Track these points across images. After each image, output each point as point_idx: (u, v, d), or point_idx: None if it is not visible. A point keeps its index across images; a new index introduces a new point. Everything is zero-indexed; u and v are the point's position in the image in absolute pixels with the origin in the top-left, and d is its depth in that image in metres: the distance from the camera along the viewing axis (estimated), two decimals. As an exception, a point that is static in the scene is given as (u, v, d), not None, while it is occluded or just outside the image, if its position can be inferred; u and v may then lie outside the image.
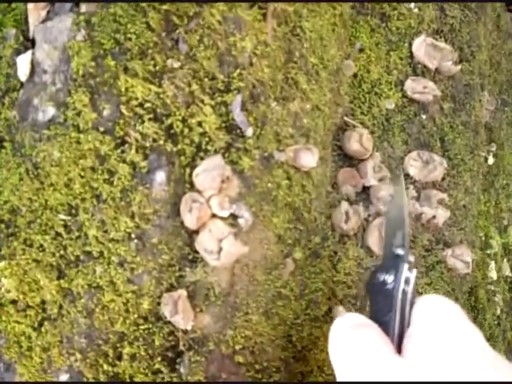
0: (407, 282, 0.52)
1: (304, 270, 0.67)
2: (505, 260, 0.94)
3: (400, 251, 0.54)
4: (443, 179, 0.76)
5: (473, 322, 0.84)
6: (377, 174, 0.70)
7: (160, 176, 0.60)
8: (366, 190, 0.72)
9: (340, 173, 0.72)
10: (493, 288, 0.90)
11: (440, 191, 0.74)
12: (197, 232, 0.60)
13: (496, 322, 0.91)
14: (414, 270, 0.53)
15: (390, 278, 0.53)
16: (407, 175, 0.73)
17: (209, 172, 0.59)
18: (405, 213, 0.56)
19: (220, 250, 0.58)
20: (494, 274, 0.90)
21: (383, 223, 0.67)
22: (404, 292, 0.51)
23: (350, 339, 0.49)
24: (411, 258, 0.54)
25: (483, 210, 0.90)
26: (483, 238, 0.90)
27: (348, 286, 0.71)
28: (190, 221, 0.59)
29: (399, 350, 0.48)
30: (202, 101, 0.61)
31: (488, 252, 0.90)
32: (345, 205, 0.69)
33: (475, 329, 0.47)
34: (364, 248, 0.72)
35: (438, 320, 0.47)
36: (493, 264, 0.90)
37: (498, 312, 0.91)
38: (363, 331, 0.49)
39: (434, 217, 0.72)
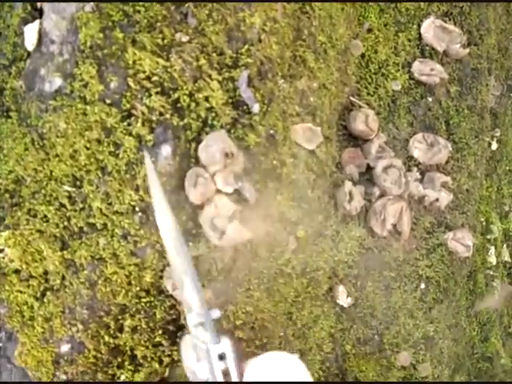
0: (223, 358, 0.48)
1: (306, 248, 0.67)
2: (504, 246, 0.94)
3: (193, 319, 0.49)
4: (447, 162, 0.76)
5: (471, 306, 0.85)
6: (380, 154, 0.70)
7: (166, 150, 0.60)
8: (369, 170, 0.72)
9: (344, 153, 0.72)
10: (492, 273, 0.90)
11: (444, 174, 0.74)
12: (201, 207, 0.60)
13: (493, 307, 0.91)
14: (223, 340, 0.48)
15: (201, 370, 0.48)
16: (411, 157, 0.73)
17: (212, 147, 0.59)
18: (183, 250, 0.50)
19: (223, 232, 0.58)
20: (493, 259, 0.90)
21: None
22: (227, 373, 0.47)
23: None
24: (211, 320, 0.48)
25: (485, 195, 0.90)
26: (484, 223, 0.90)
27: (349, 265, 0.71)
28: (194, 196, 0.59)
29: None
30: (210, 76, 0.61)
31: (488, 237, 0.90)
32: (348, 184, 0.69)
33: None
34: (366, 228, 0.72)
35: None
36: (493, 249, 0.90)
37: (496, 297, 0.92)
38: None
39: (437, 199, 0.73)
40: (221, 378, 0.47)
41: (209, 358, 0.47)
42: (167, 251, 0.51)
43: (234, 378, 0.47)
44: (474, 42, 0.80)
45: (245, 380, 0.47)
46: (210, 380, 0.47)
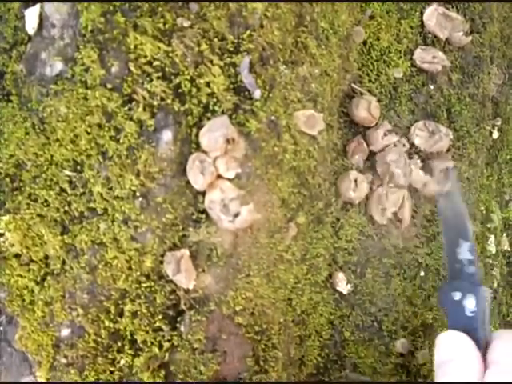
0: (484, 300, 0.54)
1: (306, 235, 0.67)
2: (504, 235, 0.94)
3: (472, 269, 0.55)
4: (448, 150, 0.76)
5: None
6: (384, 141, 0.70)
7: (167, 135, 0.60)
8: (370, 158, 0.72)
9: (352, 141, 0.72)
10: (491, 262, 0.91)
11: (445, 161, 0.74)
12: (202, 193, 0.60)
13: (492, 296, 0.92)
14: (487, 290, 0.55)
15: (469, 303, 0.54)
16: (412, 144, 0.73)
17: (213, 132, 0.59)
18: (467, 221, 0.57)
19: (237, 214, 0.59)
20: (492, 248, 0.90)
21: (441, 226, 0.65)
22: (484, 312, 0.54)
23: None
24: (481, 272, 0.56)
25: (485, 183, 0.90)
26: (484, 212, 0.90)
27: (349, 252, 0.71)
28: (195, 181, 0.59)
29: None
30: (211, 61, 0.60)
31: (488, 226, 0.90)
32: (354, 173, 0.69)
33: None
34: (366, 216, 0.72)
35: None
36: (492, 238, 0.91)
37: (495, 285, 0.92)
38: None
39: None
40: (481, 312, 0.55)
41: (477, 296, 0.54)
42: (448, 222, 0.62)
43: (487, 315, 0.56)
44: (477, 29, 0.79)
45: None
46: (475, 311, 0.54)
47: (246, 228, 0.61)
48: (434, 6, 0.75)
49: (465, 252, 0.56)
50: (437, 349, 0.54)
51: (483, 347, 0.52)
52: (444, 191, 0.68)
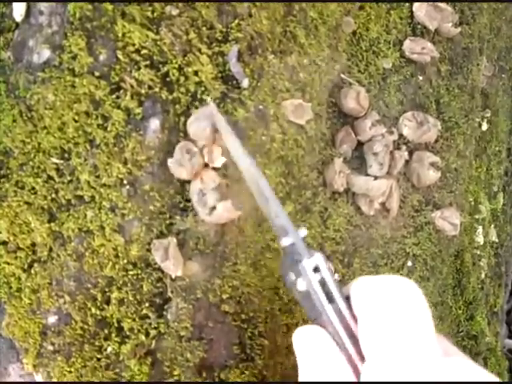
0: (317, 270, 0.46)
1: (294, 224, 0.67)
2: (492, 226, 0.95)
3: (287, 239, 0.48)
4: (436, 141, 0.76)
5: (457, 284, 0.85)
6: (372, 131, 0.70)
7: (154, 123, 0.60)
8: (359, 147, 0.72)
9: (340, 131, 0.72)
10: (479, 252, 0.91)
11: (433, 153, 0.74)
12: (189, 182, 0.60)
13: (480, 286, 0.92)
14: (316, 254, 0.46)
15: (301, 284, 0.46)
16: (400, 135, 0.73)
17: (201, 121, 0.59)
18: (259, 178, 0.50)
19: (214, 208, 0.59)
20: (480, 239, 0.91)
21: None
22: (324, 284, 0.45)
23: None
24: (302, 238, 0.48)
25: (474, 175, 0.90)
26: (472, 203, 0.91)
27: (337, 242, 0.72)
28: (181, 172, 0.59)
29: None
30: (199, 50, 0.61)
31: (476, 217, 0.91)
32: (338, 162, 0.69)
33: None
34: (354, 206, 0.72)
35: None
36: (480, 229, 0.91)
37: (483, 276, 0.93)
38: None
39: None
40: (319, 288, 0.46)
41: (304, 272, 0.47)
42: (253, 190, 0.51)
43: (332, 285, 0.46)
44: (466, 21, 0.79)
45: (353, 300, 0.44)
46: (310, 290, 0.47)
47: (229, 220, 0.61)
48: (424, -4, 0.75)
49: (276, 218, 0.48)
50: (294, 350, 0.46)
51: (345, 329, 0.44)
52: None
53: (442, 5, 0.75)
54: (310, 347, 0.45)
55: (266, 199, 0.50)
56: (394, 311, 0.42)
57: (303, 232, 0.49)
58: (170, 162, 0.59)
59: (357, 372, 0.43)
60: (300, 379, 0.44)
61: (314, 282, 0.45)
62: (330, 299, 0.45)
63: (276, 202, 0.50)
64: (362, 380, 0.42)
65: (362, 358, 0.43)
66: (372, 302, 0.43)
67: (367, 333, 0.42)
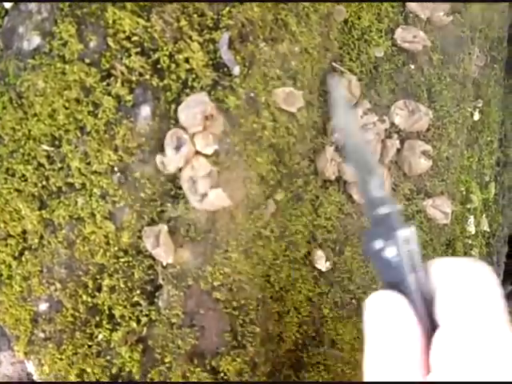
0: (407, 242, 0.45)
1: (285, 211, 0.67)
2: (484, 215, 0.95)
3: (384, 209, 0.47)
4: (428, 130, 0.76)
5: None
6: (363, 120, 0.70)
7: (145, 110, 0.60)
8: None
9: (330, 121, 0.72)
10: (470, 242, 0.91)
11: (424, 142, 0.74)
12: (180, 169, 0.60)
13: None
14: (410, 227, 0.46)
15: (389, 252, 0.45)
16: (392, 124, 0.73)
17: (191, 108, 0.59)
18: (365, 150, 0.49)
19: (204, 195, 0.59)
20: (472, 229, 0.91)
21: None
22: (411, 256, 0.48)
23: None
24: (398, 210, 0.50)
25: (466, 165, 0.90)
26: (464, 193, 0.91)
27: (328, 230, 0.72)
28: (172, 160, 0.59)
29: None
30: (190, 37, 0.60)
31: (468, 206, 0.91)
32: (330, 150, 0.69)
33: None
34: (345, 194, 0.72)
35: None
36: (472, 218, 0.91)
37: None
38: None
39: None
40: (407, 257, 0.47)
41: (397, 241, 0.47)
42: (354, 160, 0.51)
43: (417, 258, 0.47)
44: (458, 10, 0.80)
45: (433, 274, 0.43)
46: (398, 258, 0.47)
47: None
48: (416, -15, 0.75)
49: (376, 189, 0.48)
50: (365, 316, 0.44)
51: (422, 301, 0.43)
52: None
53: (434, -7, 0.75)
54: (387, 312, 0.44)
55: (370, 170, 0.49)
56: (471, 287, 0.43)
57: (400, 206, 0.49)
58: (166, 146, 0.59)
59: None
60: (369, 342, 0.44)
61: (404, 251, 0.47)
62: (414, 270, 0.46)
63: (380, 174, 0.52)
64: (433, 344, 0.42)
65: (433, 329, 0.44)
66: (453, 276, 0.43)
67: (445, 302, 0.42)
